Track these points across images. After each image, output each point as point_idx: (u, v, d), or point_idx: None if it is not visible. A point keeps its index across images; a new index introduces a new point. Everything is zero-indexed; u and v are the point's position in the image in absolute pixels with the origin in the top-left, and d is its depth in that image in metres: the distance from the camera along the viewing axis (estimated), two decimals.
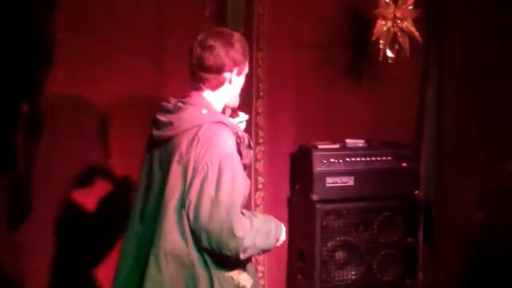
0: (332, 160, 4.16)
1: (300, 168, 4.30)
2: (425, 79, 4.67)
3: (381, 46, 4.28)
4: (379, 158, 4.26)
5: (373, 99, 4.61)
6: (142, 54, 4.04)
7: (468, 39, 4.69)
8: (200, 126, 2.76)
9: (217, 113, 2.87)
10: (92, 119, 3.99)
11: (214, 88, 2.88)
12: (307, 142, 4.31)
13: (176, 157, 2.77)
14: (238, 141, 2.83)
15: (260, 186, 4.30)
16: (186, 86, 4.15)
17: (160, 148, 2.86)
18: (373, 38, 4.27)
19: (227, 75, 2.87)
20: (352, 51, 4.52)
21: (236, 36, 2.91)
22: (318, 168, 4.14)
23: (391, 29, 4.29)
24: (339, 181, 4.18)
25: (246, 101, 4.22)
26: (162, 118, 2.85)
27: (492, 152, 4.54)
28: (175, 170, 2.76)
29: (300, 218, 4.29)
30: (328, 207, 4.15)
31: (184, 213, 2.71)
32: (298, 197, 4.32)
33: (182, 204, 2.72)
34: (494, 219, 2.79)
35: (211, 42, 2.84)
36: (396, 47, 4.31)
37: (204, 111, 2.81)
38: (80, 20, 3.92)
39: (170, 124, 2.81)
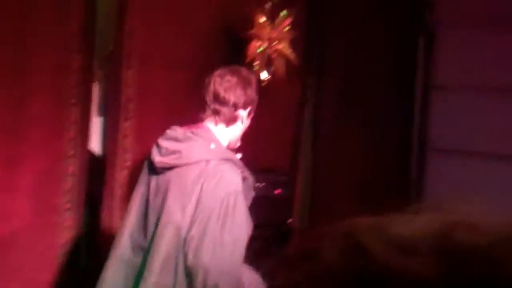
0: None
1: None
2: (303, 102, 4.57)
3: (255, 68, 4.15)
4: None
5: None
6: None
7: (347, 62, 4.64)
8: (208, 161, 2.74)
9: (226, 150, 2.86)
10: None
11: (228, 123, 2.88)
12: None
13: (179, 189, 2.72)
14: (243, 180, 2.81)
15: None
16: (51, 106, 3.94)
17: (160, 175, 2.80)
18: (248, 60, 4.13)
19: (241, 112, 2.88)
20: None
21: (253, 75, 3.03)
22: None
23: (267, 51, 4.16)
24: None
25: (113, 122, 4.03)
26: (167, 145, 2.80)
27: (365, 175, 4.50)
28: (176, 202, 2.71)
29: None
30: None
31: (179, 249, 2.65)
32: None
33: (179, 238, 2.66)
34: None
35: (229, 77, 2.87)
36: (272, 69, 4.19)
37: (212, 146, 2.80)
38: None
39: (178, 152, 2.77)
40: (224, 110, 2.87)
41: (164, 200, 2.75)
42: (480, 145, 4.22)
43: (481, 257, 0.57)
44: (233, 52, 4.30)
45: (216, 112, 2.89)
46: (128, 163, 4.04)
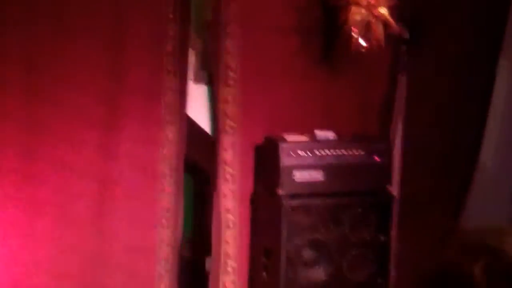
0: (300, 153, 3.96)
1: (266, 161, 4.08)
2: (397, 69, 4.45)
3: (354, 35, 4.06)
4: (350, 152, 4.06)
5: (348, 90, 4.37)
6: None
7: (443, 34, 4.48)
8: None
9: None
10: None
11: None
12: (276, 133, 4.09)
13: None
14: None
15: (228, 176, 4.07)
16: (147, 74, 3.95)
17: None
18: (346, 26, 4.05)
19: None
20: (326, 39, 4.29)
21: None
22: (285, 161, 3.93)
23: (365, 17, 4.07)
24: (308, 176, 3.98)
25: (214, 89, 4.05)
26: None
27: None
28: None
29: (265, 213, 4.08)
30: (295, 202, 3.94)
31: None
32: (263, 191, 4.10)
33: None
34: None
35: None
36: (370, 36, 4.09)
37: None
38: None
39: None
40: None
41: None
42: None
43: None
44: (331, 18, 4.21)
45: None
46: (229, 129, 4.04)
